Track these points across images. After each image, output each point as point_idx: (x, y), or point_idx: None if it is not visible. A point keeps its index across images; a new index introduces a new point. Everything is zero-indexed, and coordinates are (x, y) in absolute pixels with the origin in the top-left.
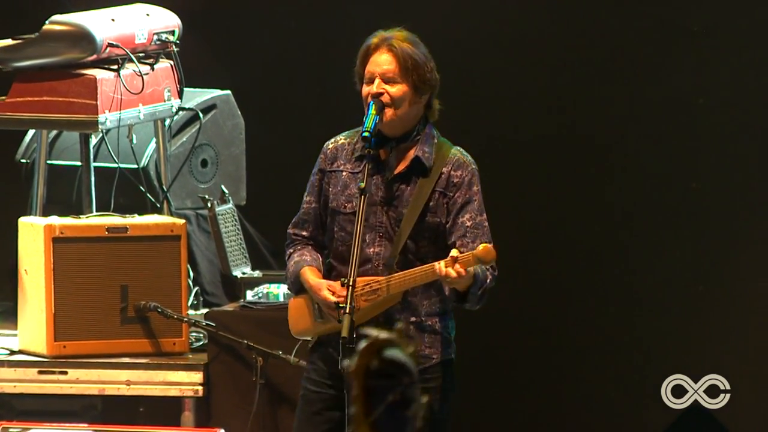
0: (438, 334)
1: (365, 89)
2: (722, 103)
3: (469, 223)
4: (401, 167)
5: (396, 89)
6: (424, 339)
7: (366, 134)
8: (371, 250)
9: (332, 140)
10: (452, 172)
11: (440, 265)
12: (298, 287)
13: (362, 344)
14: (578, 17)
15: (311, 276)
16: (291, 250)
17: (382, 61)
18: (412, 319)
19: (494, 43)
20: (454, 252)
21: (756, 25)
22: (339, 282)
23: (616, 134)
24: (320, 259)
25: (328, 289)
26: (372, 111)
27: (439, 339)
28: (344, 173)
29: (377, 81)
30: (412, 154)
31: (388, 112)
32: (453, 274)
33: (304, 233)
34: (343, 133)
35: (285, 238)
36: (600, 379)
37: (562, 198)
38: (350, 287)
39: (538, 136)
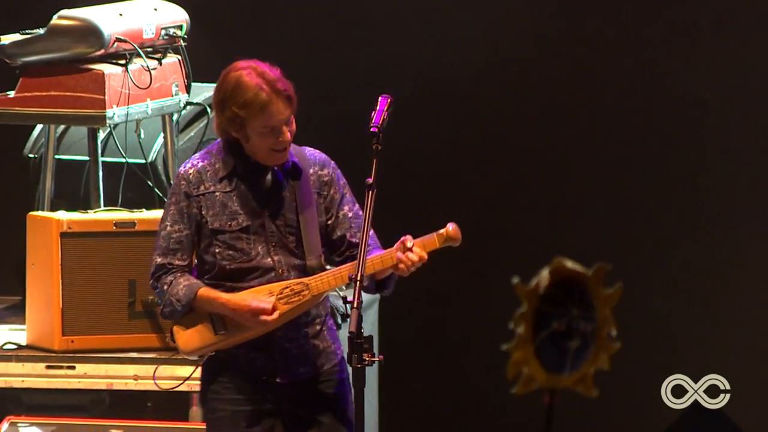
0: (332, 329)
1: (263, 140)
2: (730, 98)
3: (350, 214)
4: (270, 175)
5: (292, 126)
6: (325, 337)
7: (374, 129)
8: (268, 260)
9: (188, 165)
10: (320, 172)
11: (398, 254)
12: (187, 311)
13: (547, 268)
14: (585, 12)
15: (220, 294)
16: (171, 278)
17: (281, 110)
18: (317, 319)
19: (497, 37)
20: (408, 241)
21: (764, 19)
22: (255, 290)
23: (622, 129)
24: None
25: (255, 298)
26: (380, 107)
27: (334, 334)
28: (217, 194)
29: (284, 129)
30: (285, 163)
31: (287, 150)
32: (416, 258)
33: (178, 262)
34: (196, 156)
35: None
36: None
37: (564, 193)
38: (358, 282)
39: (543, 131)
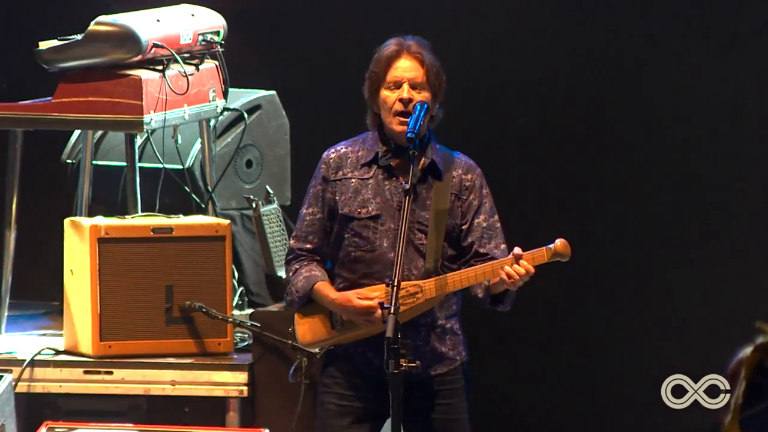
0: (457, 335)
1: (389, 94)
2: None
3: (484, 224)
4: (413, 170)
5: (422, 96)
6: (446, 341)
7: (411, 135)
8: (391, 255)
9: (332, 149)
10: (463, 176)
11: (506, 266)
12: (306, 302)
13: (762, 339)
14: (622, 18)
15: (331, 291)
16: (297, 266)
17: (411, 68)
18: (439, 322)
19: (535, 37)
20: (517, 250)
21: None
22: (369, 288)
23: (661, 134)
24: (327, 274)
25: (359, 298)
26: (419, 113)
27: (458, 340)
28: (353, 180)
29: (406, 86)
30: (424, 159)
31: (408, 117)
32: (522, 271)
33: (308, 246)
34: (342, 142)
35: None
36: (600, 378)
37: (561, 197)
38: (395, 287)
39: (581, 136)
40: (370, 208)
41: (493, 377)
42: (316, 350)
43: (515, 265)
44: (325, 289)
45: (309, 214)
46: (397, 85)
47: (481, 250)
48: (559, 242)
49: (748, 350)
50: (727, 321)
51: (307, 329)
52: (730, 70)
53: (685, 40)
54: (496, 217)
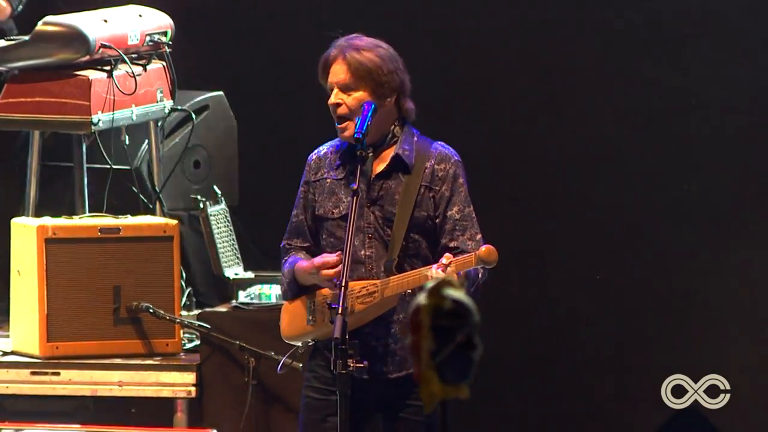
0: None
1: (329, 101)
2: (715, 104)
3: (457, 216)
4: (382, 166)
5: (352, 98)
6: None
7: (357, 136)
8: (362, 252)
9: (315, 151)
10: (436, 166)
11: (432, 271)
12: (295, 289)
13: (429, 285)
14: (570, 16)
15: (303, 262)
16: (286, 257)
17: (337, 71)
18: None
19: (483, 45)
20: (446, 256)
21: (749, 25)
22: (334, 255)
23: (608, 134)
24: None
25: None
26: (365, 113)
27: None
28: (328, 180)
29: (335, 91)
30: (391, 153)
31: (350, 124)
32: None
33: (299, 244)
34: (326, 144)
35: (278, 238)
36: (600, 378)
37: (559, 198)
38: (343, 288)
39: (529, 137)
40: (342, 208)
41: (489, 375)
42: (299, 344)
43: (439, 271)
44: (301, 263)
45: (294, 215)
46: (330, 91)
47: (451, 245)
48: (484, 249)
49: (421, 299)
50: (727, 321)
51: (287, 323)
52: (678, 70)
53: (632, 39)
54: (471, 207)
